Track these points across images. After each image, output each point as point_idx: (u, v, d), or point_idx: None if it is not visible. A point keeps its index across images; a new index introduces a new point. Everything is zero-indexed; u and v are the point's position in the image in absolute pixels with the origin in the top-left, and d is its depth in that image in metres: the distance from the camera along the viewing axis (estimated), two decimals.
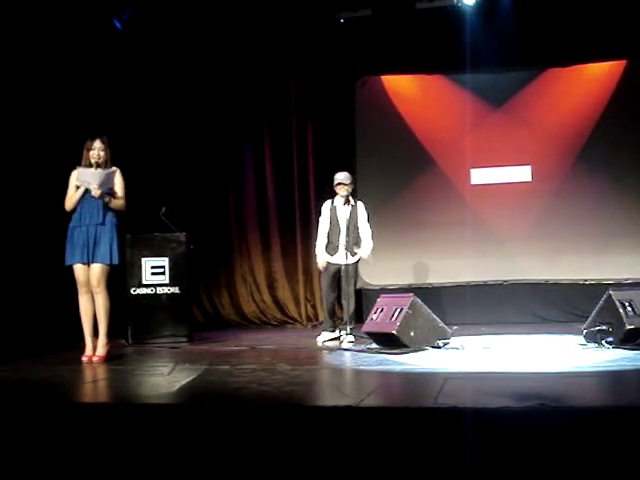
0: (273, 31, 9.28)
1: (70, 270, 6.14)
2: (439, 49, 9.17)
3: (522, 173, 9.42)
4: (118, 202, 6.21)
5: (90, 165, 6.13)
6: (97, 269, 6.07)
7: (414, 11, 8.89)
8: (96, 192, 6.02)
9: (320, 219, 7.83)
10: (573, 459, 3.16)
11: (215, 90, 9.90)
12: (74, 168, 6.20)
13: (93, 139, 6.13)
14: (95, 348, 6.13)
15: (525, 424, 3.32)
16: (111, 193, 6.16)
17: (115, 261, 6.15)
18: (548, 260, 9.17)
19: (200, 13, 8.86)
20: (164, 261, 7.85)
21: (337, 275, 7.63)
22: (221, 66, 9.75)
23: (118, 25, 8.65)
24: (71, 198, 6.13)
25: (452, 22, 8.89)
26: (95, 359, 6.06)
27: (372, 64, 9.64)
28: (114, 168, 6.22)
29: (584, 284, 9.02)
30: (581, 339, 6.37)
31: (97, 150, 6.12)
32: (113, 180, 6.16)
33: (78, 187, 6.11)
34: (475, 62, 9.03)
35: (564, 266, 9.13)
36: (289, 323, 9.79)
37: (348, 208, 7.56)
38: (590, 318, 6.40)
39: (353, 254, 7.43)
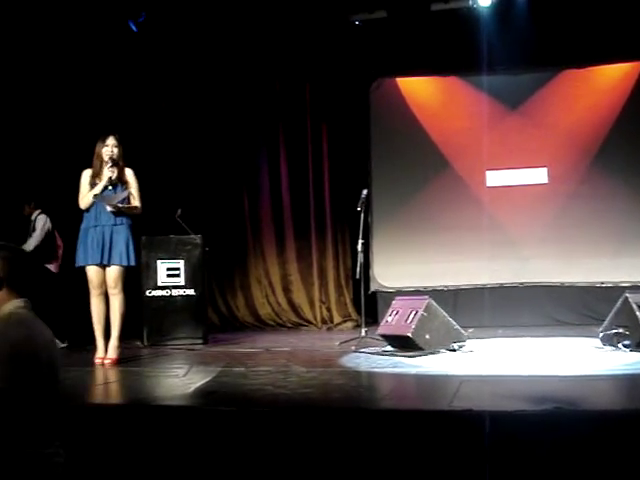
0: (288, 34, 9.28)
1: (82, 271, 6.13)
2: (454, 51, 9.14)
3: (538, 175, 9.36)
4: (134, 208, 6.21)
5: (102, 165, 6.11)
6: (114, 271, 6.06)
7: (429, 13, 8.86)
8: (113, 209, 6.04)
9: None
10: (589, 462, 3.14)
11: (230, 93, 9.91)
12: (86, 168, 6.21)
13: (106, 136, 6.15)
14: (107, 350, 6.13)
15: (541, 427, 3.31)
16: (126, 199, 6.16)
17: (132, 262, 6.14)
18: (564, 262, 9.11)
19: (215, 16, 8.87)
20: (179, 263, 7.87)
21: None
22: (236, 69, 9.75)
23: (134, 27, 8.69)
24: (86, 196, 6.12)
25: (467, 23, 8.85)
26: (107, 361, 6.05)
27: (387, 66, 9.62)
28: (128, 172, 6.23)
29: (600, 287, 8.96)
30: (597, 342, 6.33)
31: (111, 147, 6.12)
32: (126, 192, 6.13)
33: (92, 186, 6.11)
34: (491, 64, 9.00)
35: (580, 268, 9.07)
36: (304, 325, 9.78)
37: None
38: (606, 321, 6.36)
39: None
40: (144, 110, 9.31)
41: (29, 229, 7.62)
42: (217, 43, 9.37)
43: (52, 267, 7.64)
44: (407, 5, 8.96)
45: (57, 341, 2.98)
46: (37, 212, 7.68)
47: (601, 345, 6.26)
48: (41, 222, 7.63)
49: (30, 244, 7.49)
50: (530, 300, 9.13)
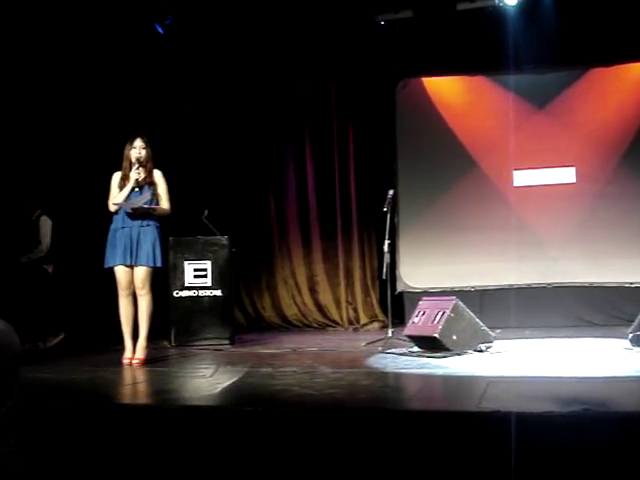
0: (314, 34, 9.29)
1: (110, 272, 6.19)
2: (481, 50, 9.10)
3: (566, 175, 9.29)
4: (163, 208, 6.25)
5: (130, 167, 6.17)
6: (141, 272, 6.10)
7: (455, 12, 8.83)
8: (137, 211, 6.09)
9: None
10: (618, 465, 3.12)
11: (256, 94, 9.95)
12: (116, 170, 6.28)
13: (134, 138, 6.20)
14: (135, 351, 6.17)
15: (569, 429, 3.28)
16: (152, 200, 6.21)
17: (158, 263, 6.18)
18: (592, 263, 9.03)
19: (241, 17, 8.91)
20: (207, 264, 7.91)
21: None
22: (262, 70, 9.78)
23: (160, 30, 8.75)
24: (116, 199, 6.18)
25: (494, 22, 8.81)
26: (135, 362, 6.09)
27: (413, 66, 9.59)
28: (156, 173, 6.28)
29: (629, 287, 8.87)
30: (627, 343, 6.27)
31: (138, 148, 6.17)
32: (148, 193, 6.16)
33: (121, 188, 6.17)
34: (517, 63, 8.95)
35: (608, 269, 8.98)
36: (330, 326, 9.78)
37: None
38: (636, 321, 6.29)
39: None
40: (171, 112, 9.37)
41: (34, 232, 7.74)
42: (243, 44, 9.39)
43: (49, 268, 7.78)
44: (433, 4, 8.93)
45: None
46: (37, 213, 7.80)
47: (630, 346, 6.20)
48: (46, 224, 7.77)
49: (44, 246, 7.66)
50: (558, 301, 9.05)
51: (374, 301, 9.74)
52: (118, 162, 6.29)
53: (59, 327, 7.59)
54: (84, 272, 7.97)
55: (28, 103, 7.93)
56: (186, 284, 7.88)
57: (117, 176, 6.26)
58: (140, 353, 6.14)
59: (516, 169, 9.38)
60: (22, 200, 7.85)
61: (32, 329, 7.43)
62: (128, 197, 6.13)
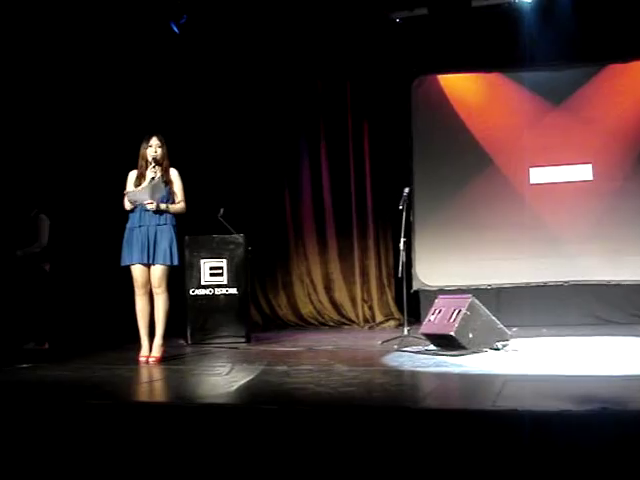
0: (329, 31, 9.28)
1: (126, 271, 6.22)
2: (496, 47, 9.07)
3: (583, 172, 9.23)
4: (178, 206, 6.27)
5: (146, 165, 6.19)
6: (158, 270, 6.12)
7: (470, 9, 8.80)
8: (152, 207, 6.10)
9: None
10: (636, 464, 3.09)
11: (271, 92, 9.97)
12: (131, 169, 6.30)
13: (150, 137, 6.22)
14: (151, 349, 6.19)
15: (586, 428, 3.26)
16: (168, 198, 6.22)
17: (175, 262, 6.19)
18: (610, 260, 8.97)
19: (256, 15, 8.92)
20: (222, 262, 7.93)
21: None
22: (277, 68, 9.80)
23: (175, 29, 8.77)
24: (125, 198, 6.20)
25: (509, 19, 8.78)
26: (151, 360, 6.11)
27: (428, 63, 9.57)
28: (172, 172, 6.30)
29: None
30: None
31: (154, 146, 6.19)
32: (162, 186, 6.17)
33: (136, 186, 6.19)
34: (533, 59, 8.92)
35: (626, 266, 8.92)
36: (346, 324, 9.79)
37: None
38: None
39: None
40: (187, 110, 9.40)
41: (31, 229, 7.79)
42: (258, 42, 9.41)
43: (46, 266, 7.84)
44: (448, 1, 8.90)
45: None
46: (35, 211, 7.85)
47: None
48: (44, 222, 7.82)
49: (41, 244, 7.72)
50: (575, 299, 9.01)
51: (390, 299, 9.74)
52: (133, 160, 6.31)
53: (48, 333, 7.60)
54: (85, 271, 8.02)
55: (33, 102, 7.95)
56: (202, 282, 7.91)
57: (133, 174, 6.28)
58: (156, 351, 6.16)
59: (532, 166, 9.34)
60: (21, 198, 7.88)
61: (32, 328, 7.50)
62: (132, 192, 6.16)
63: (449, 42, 9.21)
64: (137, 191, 6.12)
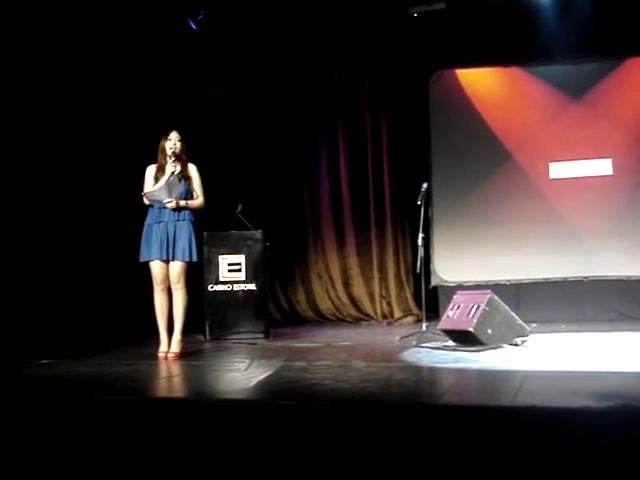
0: (346, 26, 9.27)
1: (145, 266, 6.24)
2: (515, 41, 9.02)
3: (603, 166, 9.17)
4: (197, 202, 6.27)
5: (166, 159, 6.19)
6: (177, 266, 6.14)
7: (488, 3, 8.76)
8: (172, 205, 6.11)
9: None
10: None
11: (289, 88, 9.97)
12: (150, 164, 6.32)
13: (169, 132, 6.24)
14: (170, 344, 6.22)
15: (607, 424, 3.24)
16: (186, 194, 6.23)
17: (194, 258, 6.21)
18: (630, 256, 8.91)
19: (274, 11, 8.92)
20: (241, 258, 7.94)
21: None
22: (295, 63, 9.80)
23: (193, 25, 8.79)
24: (146, 190, 6.21)
25: (528, 13, 8.73)
26: (170, 355, 6.12)
27: (446, 58, 9.55)
28: (191, 167, 6.31)
29: None
30: None
31: (174, 140, 6.20)
32: (179, 182, 6.17)
33: (156, 180, 6.20)
34: (552, 53, 8.87)
35: None
36: (364, 320, 9.79)
37: None
38: None
39: None
40: (205, 106, 9.42)
41: None
42: (275, 38, 9.41)
43: None
44: None
45: None
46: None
47: None
48: None
49: None
50: (595, 294, 8.96)
51: (408, 295, 9.73)
52: (152, 155, 6.33)
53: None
54: (104, 267, 8.05)
55: (57, 99, 7.97)
56: (220, 278, 7.93)
57: (151, 169, 6.29)
58: (175, 347, 6.18)
59: (552, 161, 9.29)
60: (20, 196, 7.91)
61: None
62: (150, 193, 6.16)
63: (467, 36, 9.17)
64: (155, 191, 6.12)
